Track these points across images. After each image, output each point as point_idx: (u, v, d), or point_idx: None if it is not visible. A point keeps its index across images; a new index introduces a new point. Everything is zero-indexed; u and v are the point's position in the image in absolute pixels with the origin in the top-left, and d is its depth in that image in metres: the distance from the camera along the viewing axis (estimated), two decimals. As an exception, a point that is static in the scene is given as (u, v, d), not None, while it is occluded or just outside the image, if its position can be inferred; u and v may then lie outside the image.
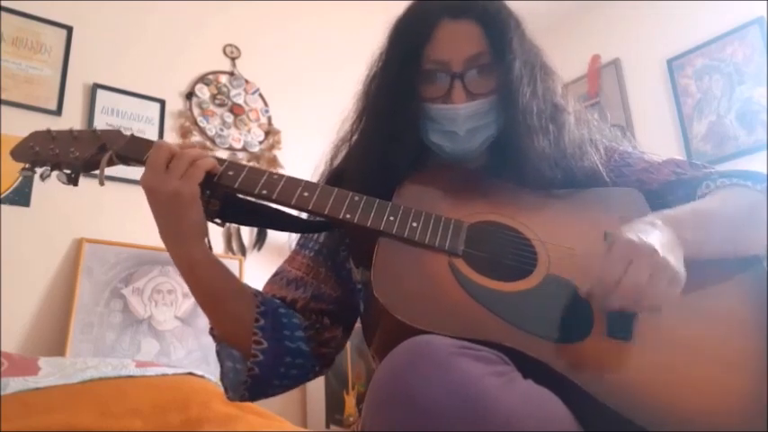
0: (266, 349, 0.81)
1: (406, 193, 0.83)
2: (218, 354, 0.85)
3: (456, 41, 0.85)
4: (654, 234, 0.67)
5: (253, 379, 0.81)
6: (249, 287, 0.86)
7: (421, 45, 0.85)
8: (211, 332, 0.87)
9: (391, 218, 0.76)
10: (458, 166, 0.90)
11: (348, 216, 0.77)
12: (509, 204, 0.83)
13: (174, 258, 0.79)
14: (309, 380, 0.89)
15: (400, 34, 0.90)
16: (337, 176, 0.93)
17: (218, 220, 0.83)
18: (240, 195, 0.82)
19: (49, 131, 0.85)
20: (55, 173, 0.83)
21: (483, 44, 0.85)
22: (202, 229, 0.78)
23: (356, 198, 0.79)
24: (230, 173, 0.79)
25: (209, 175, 0.78)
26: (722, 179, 0.83)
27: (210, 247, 0.81)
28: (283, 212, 0.86)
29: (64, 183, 0.83)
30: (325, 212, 0.78)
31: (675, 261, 0.66)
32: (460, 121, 0.85)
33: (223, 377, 0.85)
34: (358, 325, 0.94)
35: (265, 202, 0.82)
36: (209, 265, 0.80)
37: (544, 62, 0.91)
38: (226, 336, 0.84)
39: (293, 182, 0.80)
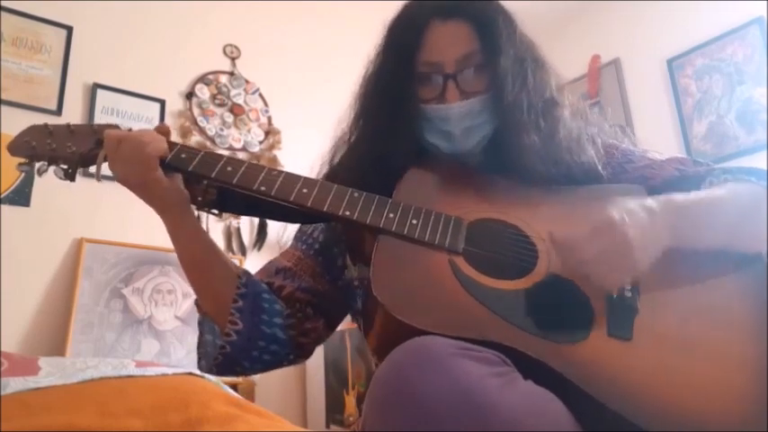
0: (240, 330, 0.81)
1: (406, 190, 0.83)
2: (200, 325, 0.87)
3: (446, 43, 0.85)
4: (640, 219, 0.68)
5: (223, 357, 0.82)
6: (238, 268, 0.87)
7: (413, 49, 0.85)
8: (196, 303, 0.88)
9: (391, 215, 0.76)
10: (457, 164, 0.90)
11: (347, 213, 0.77)
12: (509, 201, 0.83)
13: (165, 226, 0.83)
14: (282, 367, 0.89)
15: (392, 38, 0.90)
16: (334, 178, 0.93)
17: (215, 211, 0.83)
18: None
19: (45, 126, 0.85)
20: (52, 168, 0.83)
21: (474, 43, 0.85)
22: (178, 200, 0.82)
23: (356, 195, 0.79)
24: (228, 169, 0.79)
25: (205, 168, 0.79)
26: (725, 175, 0.83)
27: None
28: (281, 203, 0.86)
29: (61, 178, 0.83)
30: (324, 209, 0.77)
31: (646, 256, 0.67)
32: (454, 119, 0.85)
33: (199, 346, 0.87)
34: (357, 325, 0.94)
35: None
36: (193, 234, 0.84)
37: (536, 56, 0.91)
38: (208, 311, 0.86)
39: (292, 178, 0.80)
